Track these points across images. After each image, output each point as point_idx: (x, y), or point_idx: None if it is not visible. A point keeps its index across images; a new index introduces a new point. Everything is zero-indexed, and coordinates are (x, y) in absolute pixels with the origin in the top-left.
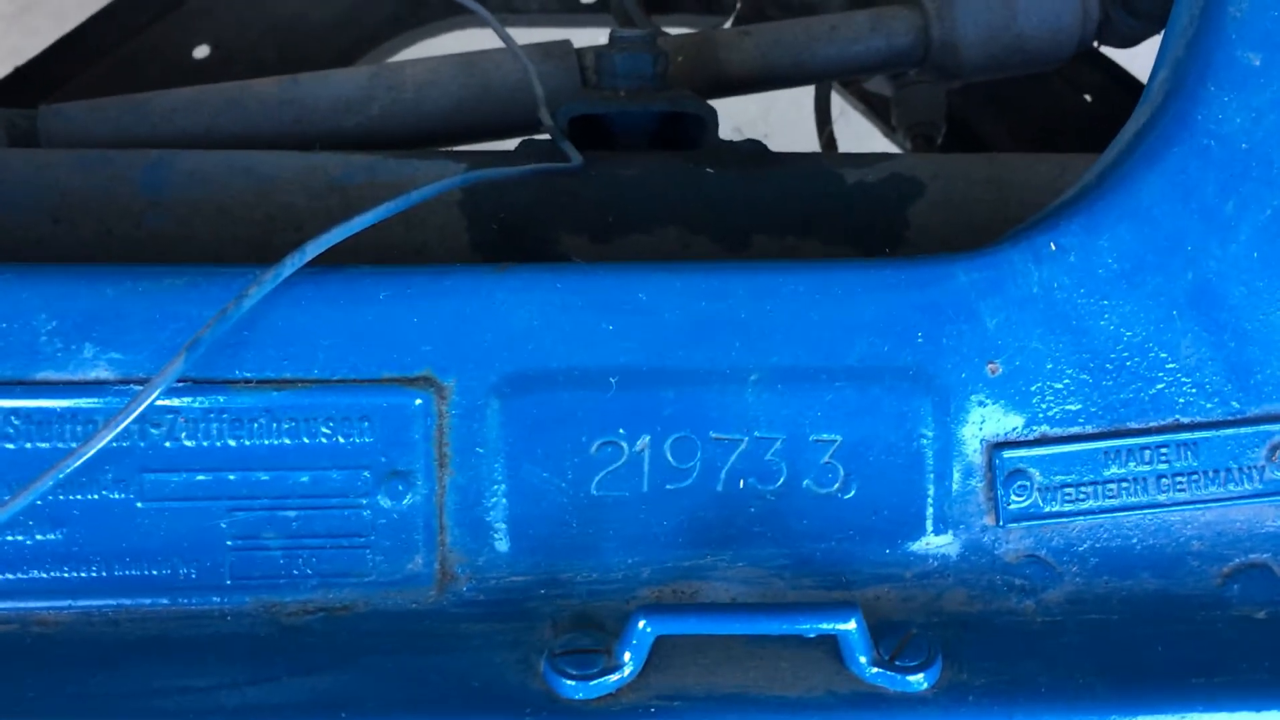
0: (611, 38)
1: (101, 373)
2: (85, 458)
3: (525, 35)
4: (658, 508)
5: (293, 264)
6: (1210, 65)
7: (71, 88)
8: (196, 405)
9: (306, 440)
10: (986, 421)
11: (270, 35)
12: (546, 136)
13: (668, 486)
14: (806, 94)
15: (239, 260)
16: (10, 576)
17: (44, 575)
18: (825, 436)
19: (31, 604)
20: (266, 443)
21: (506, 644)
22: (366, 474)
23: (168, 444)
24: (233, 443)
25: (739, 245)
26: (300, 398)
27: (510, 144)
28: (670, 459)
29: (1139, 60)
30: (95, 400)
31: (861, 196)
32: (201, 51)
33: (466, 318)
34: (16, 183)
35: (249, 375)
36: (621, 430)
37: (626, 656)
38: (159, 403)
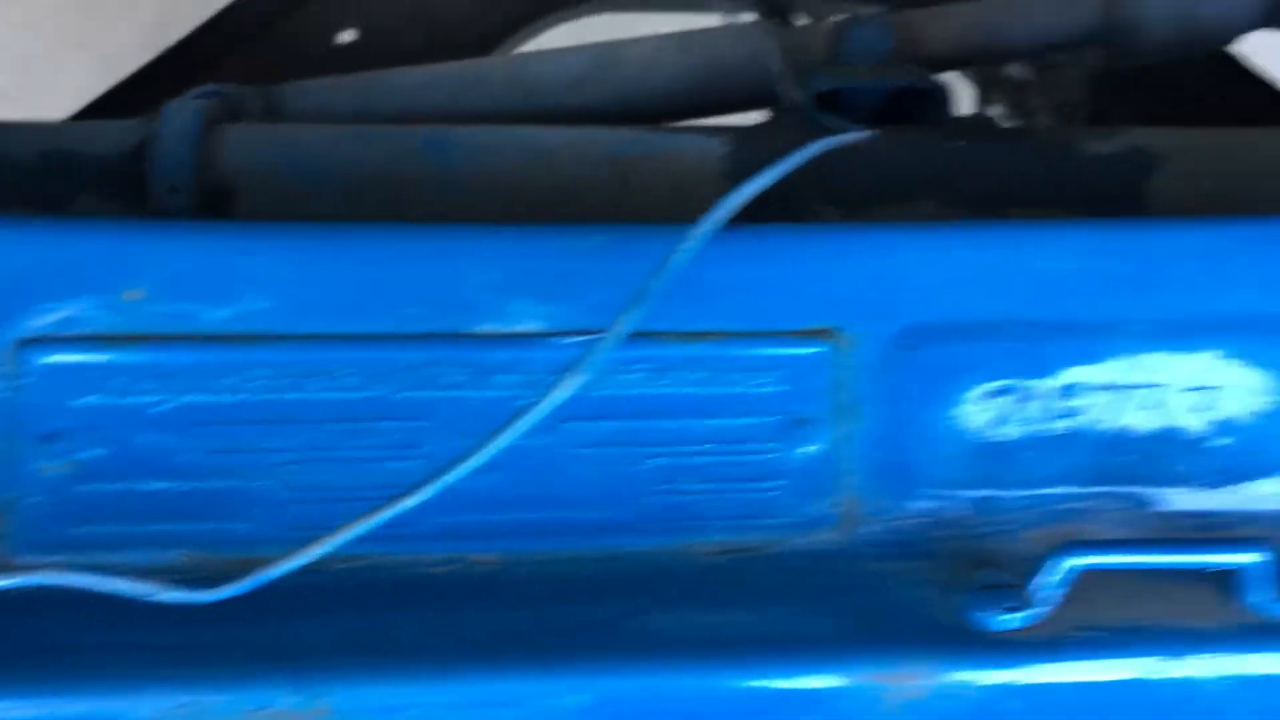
0: (849, 15)
1: (534, 325)
2: (551, 406)
3: (651, 21)
4: (1042, 451)
5: (714, 222)
6: None
7: (213, 74)
8: (617, 355)
9: (718, 390)
10: None
11: (415, 19)
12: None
13: (1050, 432)
14: None
15: None
16: (448, 519)
17: (478, 518)
18: (1198, 384)
19: (469, 545)
20: (681, 391)
21: (918, 582)
22: (773, 421)
23: (590, 393)
24: (650, 391)
25: (988, 216)
26: (711, 349)
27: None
28: (1060, 404)
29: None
30: (528, 353)
31: (1103, 168)
32: (346, 36)
33: (868, 273)
34: (306, 157)
35: (666, 327)
36: (1014, 378)
37: (1046, 591)
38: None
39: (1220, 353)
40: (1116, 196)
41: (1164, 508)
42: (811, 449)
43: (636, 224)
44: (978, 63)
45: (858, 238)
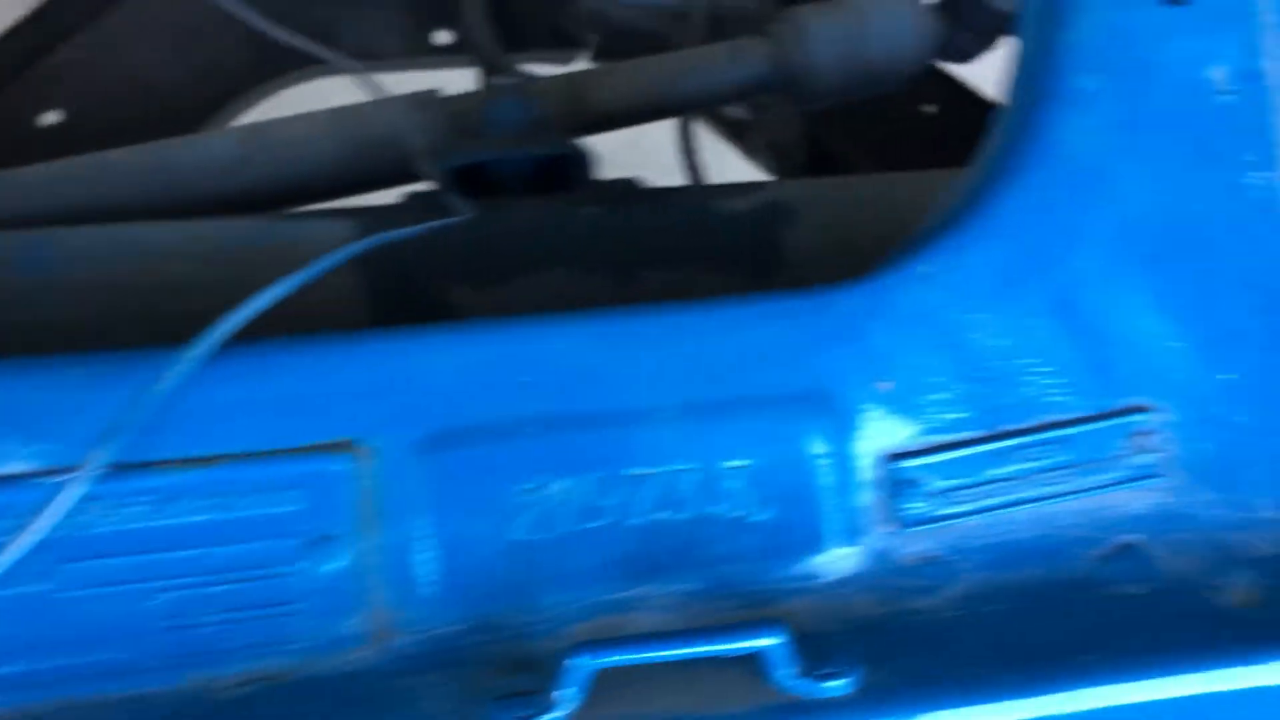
0: (486, 86)
1: (18, 466)
2: (21, 553)
3: (383, 81)
4: (581, 547)
5: (211, 342)
6: (1052, 91)
7: None
8: (116, 489)
9: (231, 514)
10: (881, 435)
11: (123, 96)
12: (425, 186)
13: (590, 525)
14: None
15: (133, 337)
16: None
17: None
18: (735, 463)
19: None
20: (191, 520)
21: (445, 694)
22: (294, 541)
23: (88, 531)
24: (156, 524)
25: (625, 281)
26: (222, 473)
27: (387, 194)
28: (590, 499)
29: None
30: (15, 496)
31: (738, 225)
32: (50, 118)
33: (384, 381)
34: None
35: (167, 455)
36: (541, 476)
37: (564, 693)
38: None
39: (757, 431)
40: (752, 253)
41: (711, 591)
42: (336, 566)
43: (133, 349)
44: (654, 117)
45: (367, 346)
